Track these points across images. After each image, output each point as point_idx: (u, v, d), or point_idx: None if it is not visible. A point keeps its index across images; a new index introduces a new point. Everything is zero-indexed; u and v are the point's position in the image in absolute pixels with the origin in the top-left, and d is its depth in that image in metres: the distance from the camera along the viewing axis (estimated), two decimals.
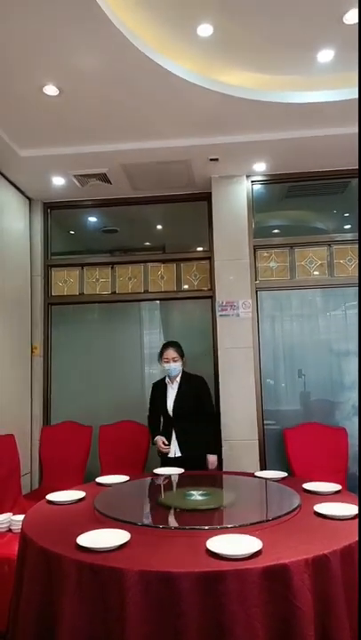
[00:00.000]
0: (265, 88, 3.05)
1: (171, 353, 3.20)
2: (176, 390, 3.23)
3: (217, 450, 3.21)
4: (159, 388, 3.35)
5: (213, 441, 3.30)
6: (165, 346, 3.28)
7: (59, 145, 3.53)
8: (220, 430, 3.60)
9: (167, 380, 3.29)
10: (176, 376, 3.25)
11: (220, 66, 2.94)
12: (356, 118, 3.10)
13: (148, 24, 2.60)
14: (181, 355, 3.24)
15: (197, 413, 3.20)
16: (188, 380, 3.27)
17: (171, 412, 3.20)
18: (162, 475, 2.83)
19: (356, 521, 1.85)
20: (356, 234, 4.03)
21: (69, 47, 2.53)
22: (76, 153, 3.58)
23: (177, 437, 3.18)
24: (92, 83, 2.83)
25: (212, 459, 3.17)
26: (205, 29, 2.63)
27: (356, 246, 4.02)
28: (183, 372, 3.28)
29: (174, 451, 3.17)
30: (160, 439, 3.21)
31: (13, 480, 3.31)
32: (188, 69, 2.85)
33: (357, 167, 3.77)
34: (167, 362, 3.20)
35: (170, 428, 3.21)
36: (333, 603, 1.47)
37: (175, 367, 3.20)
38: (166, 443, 3.18)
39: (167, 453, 3.17)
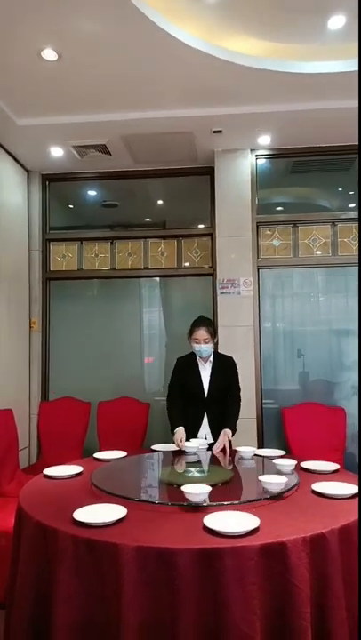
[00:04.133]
0: (272, 56, 2.93)
1: (202, 334, 2.88)
2: (210, 371, 2.97)
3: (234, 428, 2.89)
4: (188, 366, 3.00)
5: (236, 420, 2.96)
6: (196, 325, 2.94)
7: (57, 114, 3.41)
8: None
9: (198, 359, 2.99)
10: (208, 356, 2.98)
11: (225, 32, 2.81)
12: None
13: None
14: (213, 334, 2.93)
15: (226, 395, 2.99)
16: (220, 360, 3.02)
17: (206, 394, 2.94)
18: (160, 451, 2.83)
19: (354, 500, 1.84)
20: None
21: (69, 8, 2.41)
22: (74, 122, 3.46)
23: (209, 422, 2.94)
24: (93, 47, 2.71)
25: (228, 432, 2.80)
26: None
27: None
28: (214, 351, 3.02)
29: (205, 435, 2.91)
30: (181, 435, 2.76)
31: (11, 454, 3.32)
32: (192, 35, 2.73)
33: (357, 143, 3.66)
34: (197, 342, 2.89)
35: (201, 411, 2.94)
36: (330, 581, 1.47)
37: (206, 349, 2.91)
38: (183, 440, 2.73)
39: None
